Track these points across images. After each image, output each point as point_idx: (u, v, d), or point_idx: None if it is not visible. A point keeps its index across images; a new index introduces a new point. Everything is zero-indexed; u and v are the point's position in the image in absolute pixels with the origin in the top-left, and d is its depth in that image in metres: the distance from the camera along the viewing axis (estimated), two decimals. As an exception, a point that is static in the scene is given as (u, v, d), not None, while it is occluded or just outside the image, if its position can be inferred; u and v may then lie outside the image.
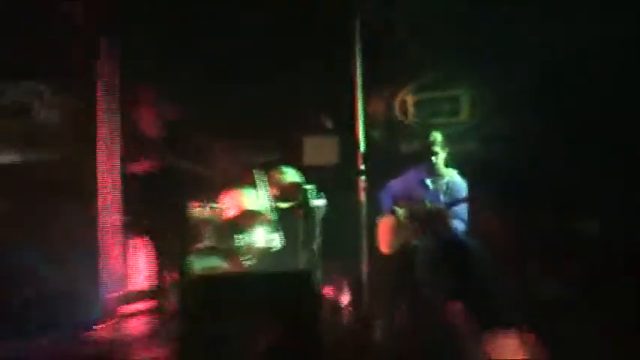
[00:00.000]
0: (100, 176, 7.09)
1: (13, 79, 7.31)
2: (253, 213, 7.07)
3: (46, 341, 6.49)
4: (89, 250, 7.08)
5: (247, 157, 7.24)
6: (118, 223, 7.10)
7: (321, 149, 7.74)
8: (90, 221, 7.08)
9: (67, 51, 7.10)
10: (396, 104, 7.99)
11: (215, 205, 7.09)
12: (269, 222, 7.11)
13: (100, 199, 7.08)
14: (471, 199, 6.70)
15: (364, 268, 7.34)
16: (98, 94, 7.05)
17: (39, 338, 6.55)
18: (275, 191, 7.17)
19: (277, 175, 7.20)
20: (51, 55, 7.11)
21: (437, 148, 6.77)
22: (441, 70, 7.82)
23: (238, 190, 7.12)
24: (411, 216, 6.75)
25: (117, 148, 6.70)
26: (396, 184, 7.00)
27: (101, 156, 7.07)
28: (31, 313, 6.83)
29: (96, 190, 7.08)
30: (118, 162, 6.50)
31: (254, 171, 7.12)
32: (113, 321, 6.98)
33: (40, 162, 7.33)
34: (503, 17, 7.26)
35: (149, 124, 6.45)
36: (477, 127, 7.81)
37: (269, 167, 7.22)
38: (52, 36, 7.06)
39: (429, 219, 6.67)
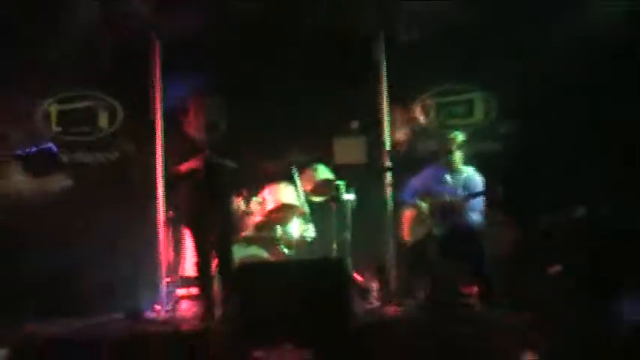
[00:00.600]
0: (158, 175, 7.35)
1: (82, 89, 7.74)
2: (290, 206, 7.20)
3: (114, 319, 6.81)
4: (148, 241, 7.33)
5: (285, 157, 7.34)
6: (171, 216, 7.28)
7: (350, 149, 7.77)
8: (149, 216, 7.34)
9: (126, 62, 7.51)
10: (417, 108, 8.11)
11: (256, 199, 7.26)
12: (304, 214, 7.25)
13: (158, 197, 7.35)
14: (485, 193, 6.83)
15: (390, 255, 7.53)
16: (155, 103, 7.41)
17: (109, 315, 6.89)
18: (309, 187, 7.33)
19: (311, 172, 7.35)
20: (111, 66, 7.52)
21: (456, 147, 6.90)
22: (457, 76, 7.93)
23: (277, 185, 7.27)
24: (432, 208, 6.91)
25: (170, 150, 6.90)
26: (417, 180, 7.13)
27: (159, 157, 7.36)
28: (101, 296, 7.12)
29: (155, 188, 7.34)
30: (171, 162, 6.60)
31: (291, 169, 7.25)
32: (169, 303, 7.18)
33: (105, 163, 7.77)
34: (512, 22, 7.38)
35: (197, 128, 6.50)
36: (489, 127, 7.94)
37: (304, 165, 7.37)
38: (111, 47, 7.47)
39: (448, 211, 6.84)
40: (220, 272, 6.58)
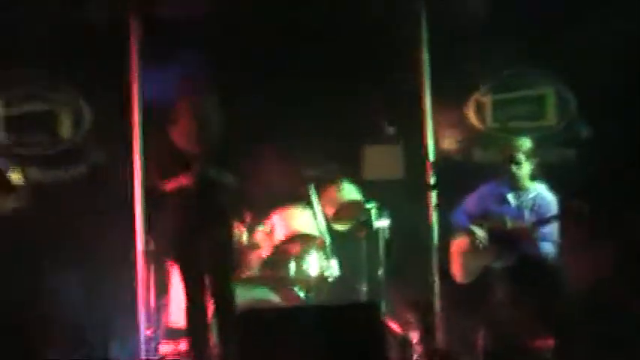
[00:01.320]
0: (137, 196, 7.17)
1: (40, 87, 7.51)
2: (306, 236, 7.04)
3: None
4: (124, 279, 7.15)
5: (299, 171, 7.18)
6: (154, 249, 7.11)
7: (383, 160, 7.66)
8: (124, 247, 7.15)
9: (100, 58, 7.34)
10: (470, 107, 7.91)
11: (262, 227, 7.07)
12: (325, 246, 7.06)
13: (135, 223, 7.16)
14: (561, 217, 6.57)
15: (437, 298, 7.34)
16: (132, 103, 7.20)
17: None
18: (331, 210, 7.17)
19: (334, 192, 7.21)
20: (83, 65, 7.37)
21: (521, 157, 6.63)
22: (522, 66, 7.77)
23: (289, 209, 7.11)
24: (491, 237, 6.66)
25: (152, 163, 6.76)
26: (472, 200, 6.90)
27: (137, 173, 7.18)
28: (58, 354, 6.85)
29: (132, 212, 7.17)
30: (153, 178, 6.52)
31: (308, 187, 7.09)
32: None
33: (68, 181, 7.50)
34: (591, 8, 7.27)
35: (187, 135, 6.37)
36: (565, 132, 7.77)
37: (325, 183, 7.23)
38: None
39: (511, 240, 6.58)
40: (217, 322, 6.41)
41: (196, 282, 6.37)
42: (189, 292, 6.34)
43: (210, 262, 6.35)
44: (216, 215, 6.41)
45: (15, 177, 6.73)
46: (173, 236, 6.46)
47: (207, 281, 6.38)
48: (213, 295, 6.38)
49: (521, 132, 7.30)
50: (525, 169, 6.65)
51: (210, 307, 6.42)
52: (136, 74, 7.26)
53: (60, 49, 7.32)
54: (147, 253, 7.18)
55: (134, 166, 7.21)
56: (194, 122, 6.36)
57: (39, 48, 7.30)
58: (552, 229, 6.59)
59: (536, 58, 7.65)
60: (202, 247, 6.32)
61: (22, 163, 7.32)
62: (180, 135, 6.37)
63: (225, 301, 6.38)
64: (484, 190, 6.89)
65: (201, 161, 6.27)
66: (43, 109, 7.55)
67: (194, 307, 6.34)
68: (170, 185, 6.31)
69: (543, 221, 6.55)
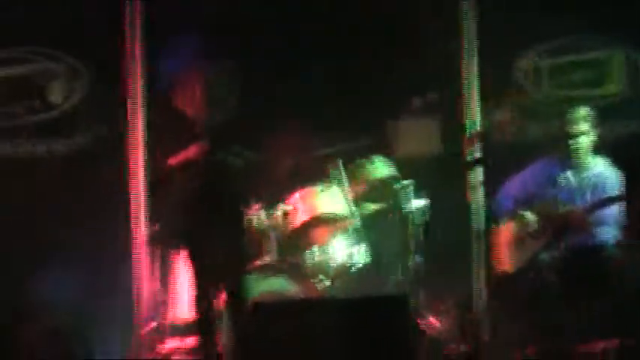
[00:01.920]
0: (132, 174, 7.17)
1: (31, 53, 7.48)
2: (330, 218, 6.94)
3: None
4: (119, 270, 7.17)
5: (323, 145, 7.09)
6: (153, 235, 7.09)
7: (419, 133, 7.64)
8: (119, 233, 7.19)
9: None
10: (520, 73, 7.79)
11: (280, 209, 6.94)
12: (351, 230, 6.97)
13: (132, 205, 7.17)
14: (626, 198, 6.50)
15: (479, 289, 7.30)
16: (135, 66, 7.21)
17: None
18: (360, 189, 7.05)
19: (363, 168, 7.10)
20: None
21: (580, 130, 6.52)
22: (582, 25, 7.63)
23: (311, 188, 7.00)
24: (542, 222, 6.56)
25: (156, 135, 6.68)
26: (520, 180, 6.79)
27: (139, 146, 7.16)
28: (53, 348, 6.82)
29: (133, 190, 7.19)
30: (157, 153, 6.42)
31: (332, 163, 7.02)
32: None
33: (60, 155, 7.48)
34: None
35: (196, 102, 6.27)
36: (633, 101, 7.67)
37: (352, 159, 7.13)
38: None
39: (565, 225, 6.50)
40: (229, 316, 6.29)
41: (206, 270, 6.21)
42: (199, 281, 6.18)
43: (221, 248, 6.18)
44: (228, 195, 6.27)
45: None
46: (179, 219, 6.31)
47: (217, 269, 6.20)
48: (225, 286, 6.22)
49: (581, 101, 7.12)
50: (585, 143, 6.55)
51: (221, 300, 6.25)
52: (138, 34, 7.26)
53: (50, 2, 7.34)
54: (149, 241, 7.16)
55: (136, 140, 7.20)
56: (204, 89, 6.24)
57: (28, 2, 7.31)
58: (615, 211, 6.48)
59: (600, 15, 7.53)
60: (213, 230, 6.17)
61: (6, 134, 7.37)
62: (188, 103, 6.26)
63: (237, 291, 6.23)
64: (535, 168, 6.79)
65: (210, 134, 6.14)
66: (30, 71, 7.47)
67: (203, 299, 6.18)
68: (175, 160, 6.18)
69: (604, 203, 6.45)
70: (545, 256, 6.51)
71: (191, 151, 6.21)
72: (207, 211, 6.24)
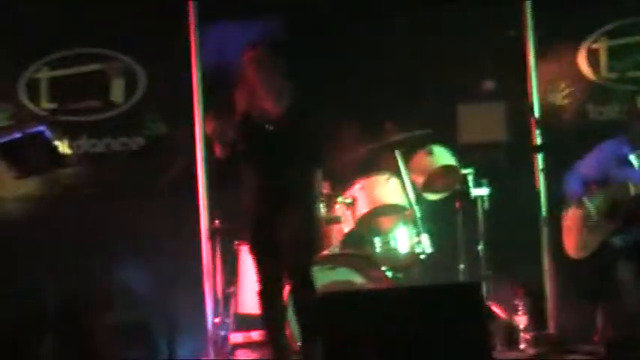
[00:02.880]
0: (200, 169, 7.21)
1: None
2: (393, 208, 6.95)
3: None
4: (187, 264, 7.20)
5: (384, 134, 6.99)
6: (219, 228, 7.14)
7: (482, 120, 7.58)
8: (187, 227, 7.23)
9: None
10: (583, 56, 7.76)
11: (343, 199, 6.99)
12: (414, 220, 6.95)
13: (199, 200, 7.22)
14: None
15: (547, 277, 7.32)
16: (192, 63, 7.23)
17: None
18: (422, 178, 7.04)
19: (425, 157, 7.08)
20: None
21: None
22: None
23: (373, 177, 7.00)
24: (611, 206, 6.49)
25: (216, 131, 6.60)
26: (587, 163, 6.71)
27: (199, 143, 7.22)
28: (119, 342, 6.99)
29: (195, 187, 7.22)
30: (217, 148, 6.35)
31: (394, 152, 6.99)
32: (220, 353, 7.01)
33: (122, 153, 7.54)
34: None
35: (254, 93, 6.13)
36: None
37: (414, 147, 7.10)
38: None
39: (635, 209, 6.39)
40: (296, 308, 6.23)
41: (272, 264, 6.19)
42: (264, 275, 6.17)
43: (288, 241, 6.15)
44: (293, 187, 6.19)
45: (61, 147, 6.67)
46: (244, 214, 6.28)
47: (284, 262, 6.17)
48: (292, 278, 6.19)
49: (642, 82, 7.18)
50: None
51: (287, 292, 6.26)
52: (194, 32, 7.30)
53: (108, 5, 7.38)
54: (213, 234, 7.22)
55: (196, 137, 7.27)
56: (262, 80, 6.15)
57: (83, 3, 7.37)
58: None
59: None
60: (279, 224, 6.14)
61: (69, 132, 7.46)
62: (245, 95, 6.18)
63: (304, 284, 6.16)
64: (602, 150, 6.69)
65: (272, 124, 6.06)
66: (92, 71, 7.53)
67: (270, 293, 6.19)
68: (234, 150, 6.13)
69: None
70: (616, 240, 6.43)
71: (250, 142, 6.13)
72: (275, 203, 6.17)
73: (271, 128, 6.09)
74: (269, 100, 6.14)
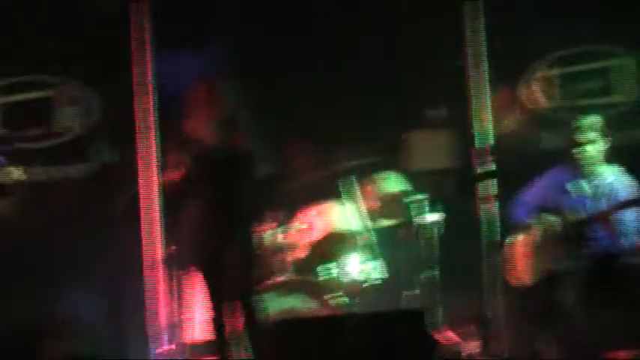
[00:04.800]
0: (154, 196, 7.19)
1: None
2: (344, 234, 6.94)
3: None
4: (137, 292, 7.16)
5: (338, 161, 7.05)
6: (164, 254, 7.15)
7: (432, 147, 7.63)
8: (138, 255, 7.19)
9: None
10: (530, 83, 7.78)
11: (293, 226, 6.95)
12: (368, 245, 6.94)
13: (142, 224, 7.16)
14: None
15: (495, 303, 7.26)
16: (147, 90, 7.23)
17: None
18: (373, 204, 7.05)
19: (377, 183, 7.11)
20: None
21: (587, 138, 6.46)
22: (591, 34, 7.58)
23: (324, 204, 7.00)
24: (558, 231, 6.49)
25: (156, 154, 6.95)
26: (536, 190, 6.74)
27: (153, 169, 7.19)
28: None
29: (137, 211, 7.19)
30: (171, 176, 6.36)
31: (347, 179, 6.98)
32: None
33: (73, 180, 7.49)
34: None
35: (205, 122, 6.17)
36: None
37: (366, 173, 7.12)
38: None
39: (582, 233, 6.43)
40: (243, 335, 6.17)
41: (219, 290, 6.16)
42: (214, 301, 6.13)
43: (232, 268, 6.11)
44: (240, 212, 6.18)
45: (14, 174, 6.70)
46: (196, 239, 6.24)
47: (231, 289, 6.13)
48: (241, 305, 6.12)
49: (595, 110, 7.11)
50: (593, 152, 6.51)
51: (236, 318, 6.16)
52: (149, 60, 7.27)
53: (62, 31, 7.34)
54: (165, 262, 7.16)
55: (150, 164, 7.21)
56: (212, 108, 6.19)
57: (38, 30, 7.31)
58: (632, 218, 6.40)
59: (612, 23, 7.44)
60: (224, 250, 6.11)
61: (20, 159, 7.37)
62: (196, 124, 6.18)
63: (250, 311, 6.13)
64: (550, 177, 6.72)
65: (221, 152, 6.08)
66: (44, 97, 7.49)
67: (219, 319, 6.11)
68: (186, 180, 6.13)
69: (618, 209, 6.36)
70: (564, 265, 6.42)
71: (201, 172, 6.12)
72: (225, 228, 6.14)
73: (220, 155, 6.05)
74: (214, 129, 6.13)
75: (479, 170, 7.17)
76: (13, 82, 7.53)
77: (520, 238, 6.71)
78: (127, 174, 7.39)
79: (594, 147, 6.51)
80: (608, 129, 6.58)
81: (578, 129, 6.56)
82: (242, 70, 6.80)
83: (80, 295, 7.09)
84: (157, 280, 7.22)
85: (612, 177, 6.57)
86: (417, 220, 6.92)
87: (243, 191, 6.23)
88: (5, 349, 6.85)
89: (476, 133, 7.47)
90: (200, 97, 6.32)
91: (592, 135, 6.51)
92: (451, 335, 6.94)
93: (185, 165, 6.22)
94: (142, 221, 7.24)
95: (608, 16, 7.41)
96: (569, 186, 6.61)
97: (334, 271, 6.94)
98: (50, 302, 7.07)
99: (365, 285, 6.93)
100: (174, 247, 7.03)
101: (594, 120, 6.56)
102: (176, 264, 7.04)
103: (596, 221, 6.45)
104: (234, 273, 6.14)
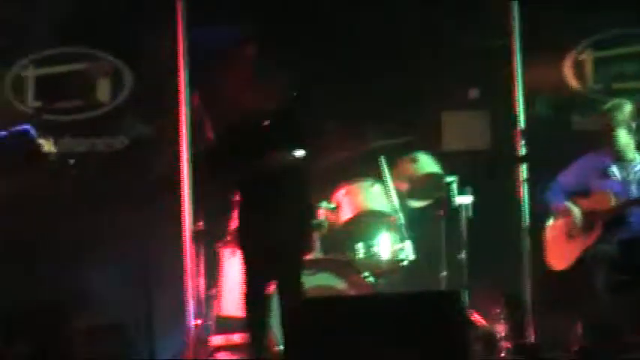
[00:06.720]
0: (184, 170, 7.13)
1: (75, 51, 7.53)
2: (376, 214, 6.97)
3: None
4: (170, 267, 7.16)
5: (368, 141, 7.09)
6: (203, 230, 7.13)
7: (466, 128, 7.63)
8: (170, 228, 7.16)
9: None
10: (568, 66, 7.77)
11: (327, 205, 6.98)
12: (397, 226, 6.95)
13: (182, 201, 7.14)
14: None
15: (527, 287, 7.26)
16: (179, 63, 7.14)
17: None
18: (405, 185, 7.06)
19: (409, 164, 7.10)
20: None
21: (622, 123, 6.47)
22: (631, 17, 7.58)
23: (356, 184, 7.03)
24: (592, 216, 6.49)
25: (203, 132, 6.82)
26: (569, 174, 6.74)
27: (184, 144, 7.14)
28: (98, 343, 6.89)
29: (178, 188, 7.15)
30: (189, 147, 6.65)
31: (378, 159, 7.00)
32: (200, 356, 6.99)
33: (106, 153, 7.53)
34: None
35: (245, 92, 6.17)
36: None
37: (398, 154, 7.12)
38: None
39: (616, 219, 6.42)
40: (281, 312, 6.18)
41: (261, 266, 6.14)
42: (251, 277, 6.13)
43: (279, 246, 6.10)
44: (289, 188, 6.15)
45: (46, 146, 6.70)
46: (240, 216, 6.26)
47: (271, 265, 6.12)
48: (282, 281, 6.16)
49: (629, 94, 7.13)
50: (625, 137, 6.50)
51: (271, 296, 6.19)
52: (182, 31, 7.22)
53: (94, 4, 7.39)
54: (196, 236, 7.19)
55: (181, 138, 7.21)
56: (253, 76, 6.15)
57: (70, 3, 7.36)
58: None
59: None
60: (271, 225, 6.09)
61: (53, 131, 7.25)
62: (237, 91, 6.19)
63: (294, 288, 6.16)
64: (583, 162, 6.73)
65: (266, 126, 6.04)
66: (77, 70, 7.53)
67: (255, 295, 6.14)
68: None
69: None
70: (597, 249, 6.42)
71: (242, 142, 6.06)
72: (267, 208, 6.11)
73: (265, 123, 6.01)
74: (262, 94, 6.07)
75: (516, 153, 7.26)
76: (47, 55, 7.53)
77: (554, 222, 6.74)
78: (158, 148, 7.42)
79: (623, 131, 6.50)
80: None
81: (608, 113, 6.57)
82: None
83: (116, 267, 7.14)
84: (191, 255, 7.19)
85: None
86: (449, 201, 6.90)
87: (290, 170, 6.13)
88: (36, 321, 6.90)
89: (511, 115, 7.42)
90: (239, 64, 6.32)
91: (621, 119, 6.51)
92: (481, 319, 6.93)
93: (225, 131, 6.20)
94: (174, 195, 7.23)
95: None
96: (604, 171, 6.60)
97: (363, 251, 6.99)
98: (87, 273, 7.11)
99: (395, 265, 6.99)
100: (206, 222, 7.10)
101: (628, 105, 6.56)
102: (210, 239, 7.10)
103: (631, 206, 6.42)
104: (285, 251, 6.13)
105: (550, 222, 6.80)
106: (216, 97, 6.54)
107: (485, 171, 7.21)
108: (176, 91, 7.26)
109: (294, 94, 6.32)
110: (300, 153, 6.18)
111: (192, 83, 7.28)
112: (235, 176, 6.24)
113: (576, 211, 6.58)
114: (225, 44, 7.20)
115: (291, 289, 6.16)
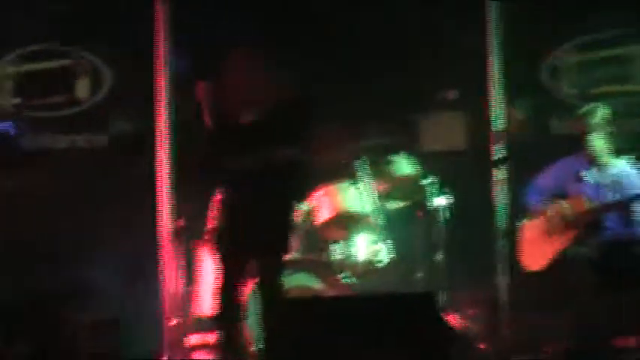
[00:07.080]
0: (163, 167, 7.07)
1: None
2: (355, 215, 6.90)
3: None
4: (145, 265, 7.10)
5: (346, 142, 7.06)
6: (180, 228, 7.03)
7: (444, 130, 7.63)
8: (148, 226, 7.10)
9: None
10: (546, 69, 7.75)
11: (305, 206, 6.90)
12: (375, 227, 6.92)
13: (159, 196, 7.06)
14: None
15: (504, 287, 7.16)
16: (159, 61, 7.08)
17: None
18: (383, 186, 7.01)
19: (387, 166, 7.08)
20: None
21: (596, 128, 6.48)
22: (607, 21, 7.52)
23: (334, 185, 6.96)
24: (569, 217, 6.50)
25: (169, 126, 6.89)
26: (546, 177, 6.76)
27: (164, 141, 7.07)
28: (73, 341, 6.83)
29: (153, 182, 7.08)
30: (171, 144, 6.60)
31: (356, 161, 6.96)
32: (175, 355, 6.92)
33: (86, 150, 7.46)
34: None
35: (239, 94, 6.06)
36: None
37: (375, 154, 7.06)
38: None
39: (594, 221, 6.44)
40: (259, 312, 6.11)
41: (238, 267, 6.06)
42: (229, 276, 6.02)
43: (261, 244, 6.03)
44: (275, 190, 6.05)
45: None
46: (206, 215, 6.17)
47: (252, 267, 6.06)
48: (262, 281, 6.08)
49: (606, 98, 7.08)
50: (601, 141, 6.51)
51: (246, 295, 6.14)
52: (163, 30, 7.15)
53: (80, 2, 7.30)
54: (176, 234, 7.10)
55: (160, 136, 7.13)
56: (248, 77, 6.03)
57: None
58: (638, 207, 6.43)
59: (631, 10, 7.39)
60: (255, 219, 5.99)
61: (34, 127, 7.36)
62: (229, 93, 6.07)
63: (273, 288, 6.07)
64: (562, 165, 6.74)
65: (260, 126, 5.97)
66: (58, 67, 7.45)
67: (230, 293, 6.05)
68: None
69: (627, 200, 6.36)
70: (574, 251, 6.44)
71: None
72: (252, 206, 6.02)
73: (254, 120, 5.96)
74: (257, 92, 6.00)
75: (495, 154, 7.17)
76: (29, 51, 7.48)
77: (532, 223, 6.73)
78: (140, 145, 7.35)
79: (601, 137, 6.51)
80: (620, 119, 6.60)
81: (584, 118, 6.57)
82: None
83: (92, 265, 7.06)
84: (169, 254, 7.12)
85: (619, 167, 6.54)
86: (426, 203, 6.89)
87: (289, 161, 6.07)
88: (25, 315, 6.87)
89: (491, 117, 7.36)
90: (232, 65, 6.14)
91: (601, 125, 6.51)
92: (458, 319, 6.91)
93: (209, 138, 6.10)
94: (157, 192, 7.16)
95: (629, 3, 7.40)
96: (582, 174, 6.59)
97: (341, 252, 6.93)
98: (62, 271, 7.03)
99: (372, 266, 6.94)
100: (184, 222, 7.03)
101: (603, 110, 6.55)
102: (188, 238, 7.04)
103: (608, 210, 6.44)
104: (267, 251, 6.08)
105: (528, 222, 6.78)
106: (212, 94, 6.27)
107: (464, 172, 7.17)
108: (157, 89, 7.17)
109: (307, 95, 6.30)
110: (288, 152, 6.08)
111: (175, 80, 7.20)
112: (221, 175, 6.14)
113: (553, 211, 6.56)
114: (225, 44, 6.87)
115: (270, 290, 6.10)
